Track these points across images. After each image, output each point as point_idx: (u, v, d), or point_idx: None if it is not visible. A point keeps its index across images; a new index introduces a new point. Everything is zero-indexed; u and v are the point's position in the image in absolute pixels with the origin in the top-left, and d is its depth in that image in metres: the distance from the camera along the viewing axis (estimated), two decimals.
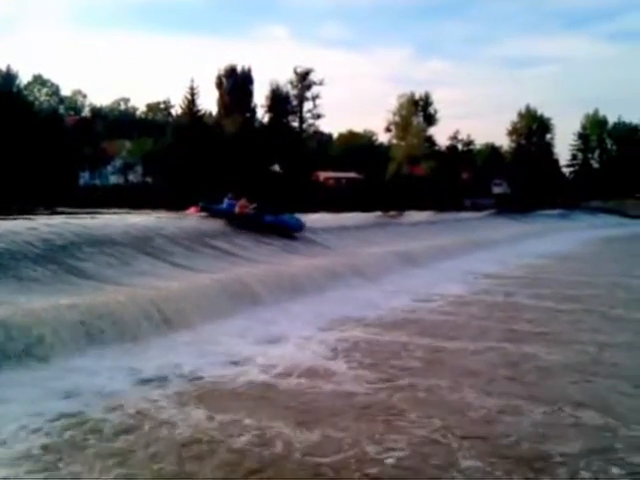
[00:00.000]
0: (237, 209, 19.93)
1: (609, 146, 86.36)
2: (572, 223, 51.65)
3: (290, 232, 19.92)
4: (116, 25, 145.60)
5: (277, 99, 62.28)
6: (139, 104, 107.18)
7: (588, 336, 10.69)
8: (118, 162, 65.60)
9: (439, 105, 77.76)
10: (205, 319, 10.66)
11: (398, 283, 16.87)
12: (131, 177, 65.07)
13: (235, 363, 8.56)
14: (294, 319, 11.47)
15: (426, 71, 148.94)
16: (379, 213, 37.17)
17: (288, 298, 13.02)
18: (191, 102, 59.15)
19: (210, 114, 63.57)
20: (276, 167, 61.21)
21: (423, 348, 9.84)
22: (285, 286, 13.60)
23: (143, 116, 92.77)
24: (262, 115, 63.72)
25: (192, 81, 59.21)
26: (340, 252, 19.53)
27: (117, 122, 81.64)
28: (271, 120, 62.51)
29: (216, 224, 19.75)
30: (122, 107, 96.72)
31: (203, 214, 20.59)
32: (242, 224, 19.27)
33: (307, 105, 63.79)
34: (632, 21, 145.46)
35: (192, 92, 58.80)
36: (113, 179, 65.00)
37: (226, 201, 20.50)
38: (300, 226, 20.34)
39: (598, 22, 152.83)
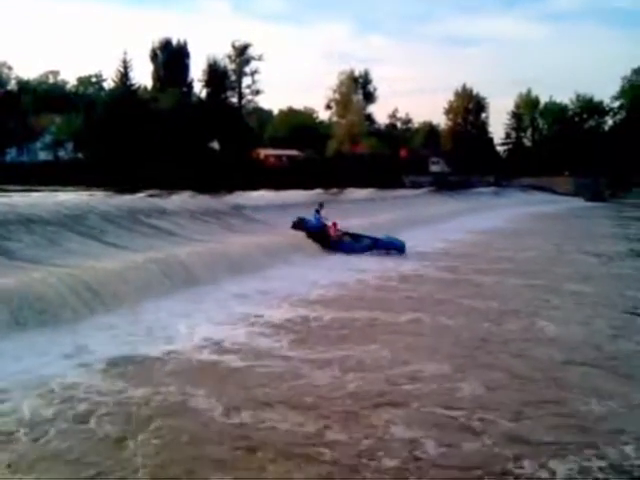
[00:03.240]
0: (332, 232, 18.77)
1: (541, 125, 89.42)
2: (506, 200, 53.34)
3: (378, 249, 18.76)
4: None
5: (214, 74, 60.68)
6: (69, 77, 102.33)
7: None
8: (47, 138, 62.47)
9: (378, 83, 78.48)
10: (140, 299, 10.37)
11: (340, 259, 16.98)
12: (62, 154, 62.10)
13: (169, 341, 8.46)
14: (230, 298, 11.33)
15: (366, 48, 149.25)
16: (320, 191, 37.16)
17: (227, 277, 12.84)
18: (124, 75, 56.86)
19: (145, 88, 61.39)
20: (215, 144, 59.94)
21: (360, 321, 10.03)
22: (224, 265, 13.40)
23: (74, 90, 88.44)
24: (199, 90, 62.18)
25: (125, 54, 56.92)
26: (281, 230, 19.38)
27: (46, 96, 77.47)
28: (209, 95, 60.96)
29: (153, 201, 19.22)
30: (51, 80, 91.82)
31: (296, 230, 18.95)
32: (337, 248, 18.27)
33: (246, 80, 62.64)
34: (563, 2, 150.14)
35: (125, 65, 56.52)
36: (42, 156, 61.88)
37: (315, 217, 19.10)
38: (401, 246, 18.95)
39: (533, 3, 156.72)
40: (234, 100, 63.14)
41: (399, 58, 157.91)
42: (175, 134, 50.36)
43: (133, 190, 24.28)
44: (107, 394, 6.43)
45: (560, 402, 6.54)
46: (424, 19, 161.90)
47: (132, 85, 57.64)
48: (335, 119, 70.50)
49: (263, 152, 64.98)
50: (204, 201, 22.94)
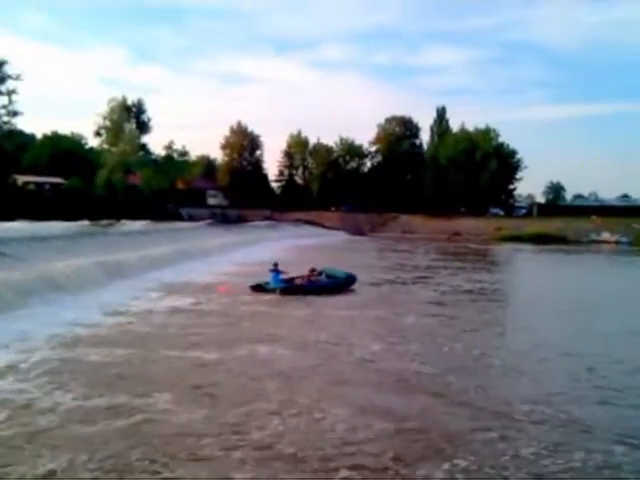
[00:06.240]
0: (299, 281, 18.89)
1: (310, 164, 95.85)
2: (279, 233, 55.63)
3: (345, 287, 19.62)
4: None
5: None
6: None
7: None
8: None
9: (154, 114, 76.55)
10: None
11: (100, 297, 15.76)
12: None
13: None
14: None
15: (140, 77, 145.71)
16: (87, 222, 34.61)
17: None
18: None
19: None
20: None
21: (119, 364, 9.46)
22: None
23: None
24: None
25: None
26: (36, 265, 17.31)
27: None
28: None
29: None
30: None
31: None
32: (299, 292, 18.08)
33: (1, 100, 55.98)
34: (329, 52, 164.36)
35: None
36: None
37: (274, 276, 18.43)
38: (354, 279, 20.21)
39: (302, 50, 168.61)
40: None
41: (176, 91, 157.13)
42: None
43: None
44: None
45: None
46: (199, 54, 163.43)
47: None
48: (106, 147, 66.41)
49: (21, 178, 58.26)
50: None
